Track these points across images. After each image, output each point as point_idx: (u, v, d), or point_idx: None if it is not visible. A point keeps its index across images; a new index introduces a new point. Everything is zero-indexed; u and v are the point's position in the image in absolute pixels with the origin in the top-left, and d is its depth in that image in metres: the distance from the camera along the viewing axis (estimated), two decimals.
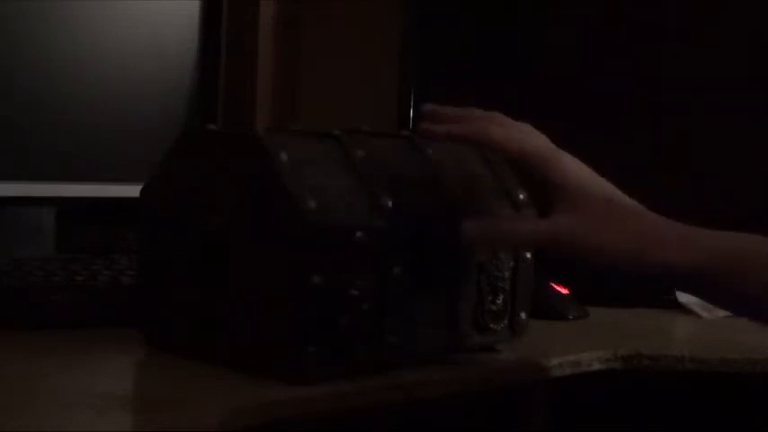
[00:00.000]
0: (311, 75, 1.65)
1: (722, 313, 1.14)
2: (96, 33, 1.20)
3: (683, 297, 1.18)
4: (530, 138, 0.84)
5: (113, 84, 1.21)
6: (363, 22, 1.61)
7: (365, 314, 0.80)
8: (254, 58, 1.56)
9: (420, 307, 0.84)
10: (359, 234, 0.79)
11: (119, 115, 1.22)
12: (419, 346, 0.85)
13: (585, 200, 0.81)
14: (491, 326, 0.90)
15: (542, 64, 1.38)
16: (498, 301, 0.90)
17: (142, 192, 0.89)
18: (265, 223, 0.79)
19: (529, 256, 0.92)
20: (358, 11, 1.61)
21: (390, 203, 0.82)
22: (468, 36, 1.42)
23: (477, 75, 1.41)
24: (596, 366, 0.94)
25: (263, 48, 1.58)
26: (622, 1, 1.34)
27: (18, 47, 1.14)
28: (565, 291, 1.16)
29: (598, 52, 1.34)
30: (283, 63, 1.63)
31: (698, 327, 1.17)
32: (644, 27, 1.32)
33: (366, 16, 1.61)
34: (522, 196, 0.92)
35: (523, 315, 0.92)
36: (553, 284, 1.16)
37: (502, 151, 0.84)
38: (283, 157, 0.79)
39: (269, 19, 1.59)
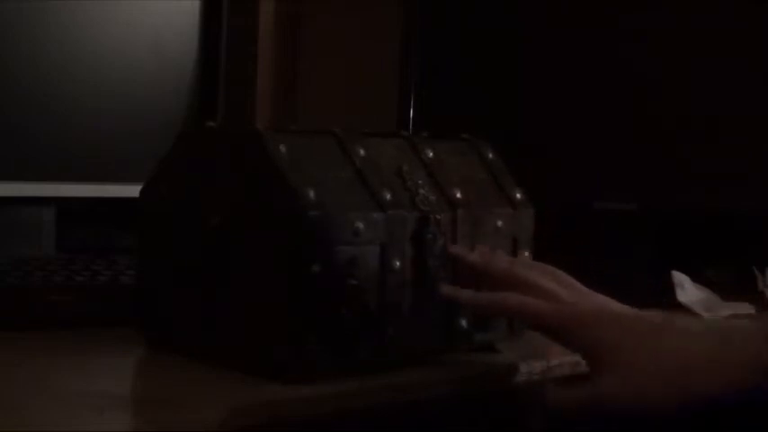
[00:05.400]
0: (311, 75, 1.65)
1: (723, 312, 1.14)
2: (96, 33, 1.20)
3: (683, 297, 1.18)
4: (548, 304, 0.81)
5: (113, 84, 1.21)
6: (363, 22, 1.61)
7: (365, 305, 0.80)
8: (254, 58, 1.56)
9: (420, 306, 0.84)
10: (357, 225, 0.79)
11: (119, 115, 1.22)
12: (419, 345, 0.85)
13: (618, 356, 0.78)
14: (491, 325, 0.90)
15: (542, 64, 1.38)
16: None
17: (142, 192, 0.89)
18: (265, 216, 0.79)
19: (527, 254, 0.92)
20: (358, 11, 1.61)
21: (389, 196, 0.82)
22: (468, 36, 1.42)
23: (477, 75, 1.41)
24: None
25: (263, 48, 1.58)
26: (623, 2, 1.34)
27: (18, 47, 1.14)
28: None
29: (598, 52, 1.34)
30: (283, 63, 1.63)
31: None
32: (644, 28, 1.32)
33: (366, 16, 1.61)
34: (518, 195, 0.93)
35: None
36: None
37: (523, 320, 0.86)
38: (282, 149, 0.79)
39: (269, 19, 1.59)
